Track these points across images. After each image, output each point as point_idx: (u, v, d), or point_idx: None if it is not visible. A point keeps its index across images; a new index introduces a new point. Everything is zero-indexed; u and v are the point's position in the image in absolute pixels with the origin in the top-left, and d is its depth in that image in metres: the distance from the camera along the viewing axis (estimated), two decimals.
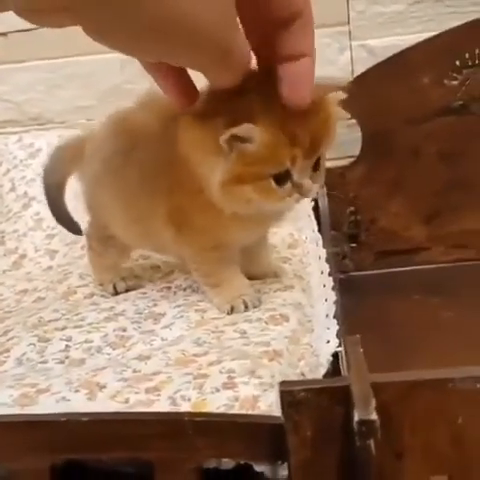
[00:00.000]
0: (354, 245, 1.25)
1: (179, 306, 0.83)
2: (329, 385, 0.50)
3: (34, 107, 1.32)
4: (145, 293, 0.89)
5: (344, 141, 1.27)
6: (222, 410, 0.60)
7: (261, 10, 0.54)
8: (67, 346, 0.76)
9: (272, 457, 0.55)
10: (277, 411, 0.59)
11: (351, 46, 1.27)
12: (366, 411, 0.46)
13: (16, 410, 0.60)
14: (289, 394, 0.50)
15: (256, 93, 0.68)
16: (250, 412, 0.59)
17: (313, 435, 0.50)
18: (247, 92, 0.69)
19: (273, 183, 0.71)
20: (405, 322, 1.08)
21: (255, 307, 0.81)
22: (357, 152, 1.25)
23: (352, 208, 1.25)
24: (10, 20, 1.25)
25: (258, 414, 0.58)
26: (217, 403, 0.60)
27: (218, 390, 0.62)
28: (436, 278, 1.22)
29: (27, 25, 1.29)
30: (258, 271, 0.89)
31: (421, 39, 1.20)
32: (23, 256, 1.07)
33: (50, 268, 1.04)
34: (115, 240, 0.90)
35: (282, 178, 0.71)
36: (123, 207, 0.85)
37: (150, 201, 0.81)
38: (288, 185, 0.72)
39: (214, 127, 0.69)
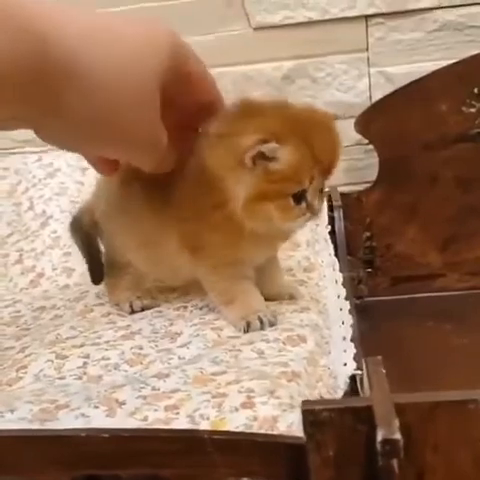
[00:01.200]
0: (369, 270, 1.25)
1: (195, 325, 0.84)
2: (352, 405, 0.50)
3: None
4: (161, 312, 0.89)
5: (361, 166, 1.28)
6: (241, 429, 0.60)
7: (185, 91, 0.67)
8: (85, 363, 0.76)
9: (291, 477, 0.55)
10: (297, 431, 0.59)
11: (369, 72, 1.28)
12: (390, 430, 0.46)
13: (36, 425, 0.60)
14: (311, 413, 0.50)
15: (276, 115, 0.74)
16: (269, 432, 0.59)
17: (335, 455, 0.50)
18: (269, 113, 0.74)
19: (292, 202, 0.74)
20: (419, 348, 1.08)
21: (271, 325, 0.81)
22: (374, 177, 1.25)
23: (368, 233, 1.25)
24: None
25: (278, 434, 0.58)
26: (236, 422, 0.60)
27: (237, 409, 0.62)
28: (450, 305, 1.22)
29: None
30: (273, 292, 0.89)
31: (439, 66, 1.21)
32: (41, 274, 1.08)
33: (67, 287, 1.05)
34: (131, 268, 0.91)
35: (299, 198, 0.75)
36: (134, 238, 0.87)
37: (161, 229, 0.83)
38: (303, 205, 0.75)
39: (239, 144, 0.72)
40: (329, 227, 1.13)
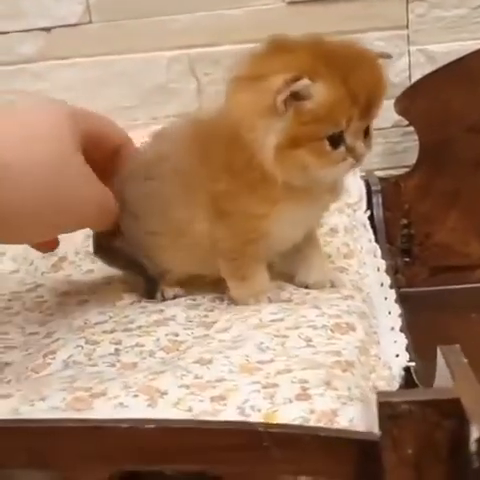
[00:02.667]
0: (407, 260, 1.18)
1: (230, 313, 0.78)
2: (436, 397, 0.44)
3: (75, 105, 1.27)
4: (195, 299, 0.83)
5: (399, 150, 1.22)
6: (297, 423, 0.54)
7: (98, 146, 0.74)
8: (117, 349, 0.70)
9: (356, 476, 0.49)
10: (359, 426, 0.53)
11: (409, 51, 1.21)
12: None
13: (70, 414, 0.55)
14: (389, 406, 0.44)
15: (310, 51, 0.69)
16: (329, 426, 0.53)
17: (415, 453, 0.44)
18: (299, 50, 0.69)
19: (328, 145, 0.69)
20: (463, 340, 1.01)
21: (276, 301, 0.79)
22: (412, 161, 1.19)
23: (405, 221, 1.18)
24: (54, 14, 1.22)
25: (341, 428, 0.52)
26: (291, 415, 0.54)
27: (291, 401, 0.56)
28: None
29: (71, 20, 1.23)
30: (312, 280, 0.84)
31: None
32: (63, 259, 1.02)
33: (91, 271, 0.99)
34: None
35: (336, 141, 0.69)
36: (163, 230, 0.80)
37: (186, 204, 0.77)
38: (342, 148, 0.70)
39: (268, 87, 0.67)
40: (368, 212, 1.07)
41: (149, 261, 0.83)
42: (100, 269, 0.99)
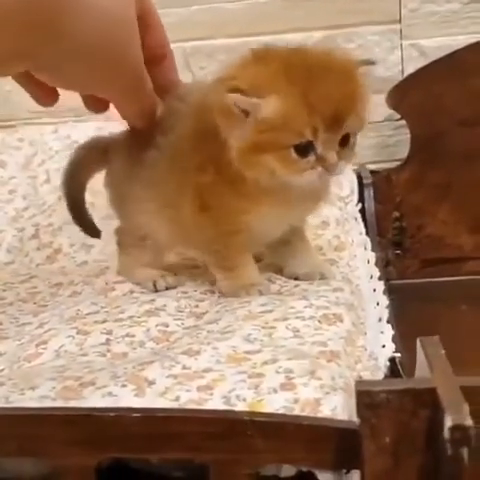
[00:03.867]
0: (398, 252, 1.20)
1: (221, 304, 0.79)
2: (413, 386, 0.45)
3: (72, 98, 1.28)
4: (186, 292, 0.84)
5: (391, 143, 1.23)
6: (281, 412, 0.55)
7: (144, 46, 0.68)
8: (108, 339, 0.72)
9: (338, 464, 0.50)
10: (341, 415, 0.55)
11: (402, 45, 1.22)
12: (460, 415, 0.41)
13: (59, 403, 0.56)
14: (367, 395, 0.45)
15: (280, 62, 0.70)
16: (312, 415, 0.55)
17: (393, 441, 0.45)
18: (272, 61, 0.71)
19: (293, 153, 0.70)
20: (453, 332, 1.02)
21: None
22: (404, 155, 1.20)
23: (397, 213, 1.19)
24: None
25: (323, 417, 0.53)
26: (275, 405, 0.55)
27: (276, 391, 0.57)
28: None
29: None
30: (302, 271, 0.85)
31: (475, 40, 1.16)
32: (58, 250, 1.03)
33: (85, 263, 1.00)
34: (148, 240, 0.87)
35: (304, 149, 0.70)
36: (153, 196, 0.82)
37: (179, 181, 0.79)
38: (311, 158, 0.70)
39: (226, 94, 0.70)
40: (359, 205, 1.08)
41: (128, 220, 0.88)
42: (94, 261, 1.01)
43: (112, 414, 0.51)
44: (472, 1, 1.20)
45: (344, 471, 0.52)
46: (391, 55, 1.23)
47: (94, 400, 0.56)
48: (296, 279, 0.85)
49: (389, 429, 0.45)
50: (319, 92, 0.68)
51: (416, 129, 1.17)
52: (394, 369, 0.71)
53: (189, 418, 0.51)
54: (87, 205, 0.94)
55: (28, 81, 0.69)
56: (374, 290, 0.90)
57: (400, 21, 1.22)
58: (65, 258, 1.02)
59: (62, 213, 1.09)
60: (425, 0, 1.20)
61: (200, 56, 1.24)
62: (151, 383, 0.59)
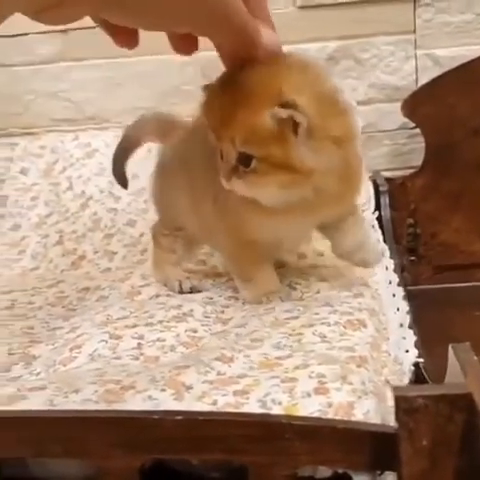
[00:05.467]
0: (412, 258, 1.22)
1: (246, 310, 0.82)
2: (449, 392, 0.47)
3: (91, 106, 1.31)
4: (212, 298, 0.87)
5: (405, 151, 1.26)
6: (316, 415, 0.57)
7: None
8: (139, 344, 0.74)
9: (373, 466, 0.52)
10: (374, 419, 0.57)
11: (416, 55, 1.25)
12: None
13: (102, 406, 0.58)
14: (405, 400, 0.47)
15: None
16: (345, 419, 0.57)
17: (430, 445, 0.48)
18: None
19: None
20: (468, 337, 1.05)
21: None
22: (418, 162, 1.22)
23: (411, 220, 1.22)
24: None
25: (358, 421, 0.55)
26: (310, 408, 0.57)
27: (309, 395, 0.59)
28: None
29: (88, 23, 1.26)
30: (342, 250, 0.83)
31: None
32: (82, 257, 1.06)
33: (109, 269, 1.02)
34: (182, 232, 0.90)
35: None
36: (188, 192, 0.86)
37: (205, 186, 0.82)
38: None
39: None
40: (376, 213, 1.10)
41: (166, 211, 0.92)
42: (117, 267, 1.03)
43: (156, 417, 0.53)
44: None
45: (378, 473, 0.54)
46: (405, 65, 1.25)
47: (135, 403, 0.58)
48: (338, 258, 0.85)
49: (426, 433, 0.47)
50: (212, 111, 0.71)
51: (430, 138, 1.20)
52: (418, 374, 0.73)
53: (229, 421, 0.53)
54: None
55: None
56: (394, 295, 0.92)
57: (414, 31, 1.24)
58: (89, 264, 1.04)
59: (85, 221, 1.11)
60: (439, 11, 1.23)
61: (216, 65, 1.26)
62: (188, 388, 0.61)
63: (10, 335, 0.80)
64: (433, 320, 1.09)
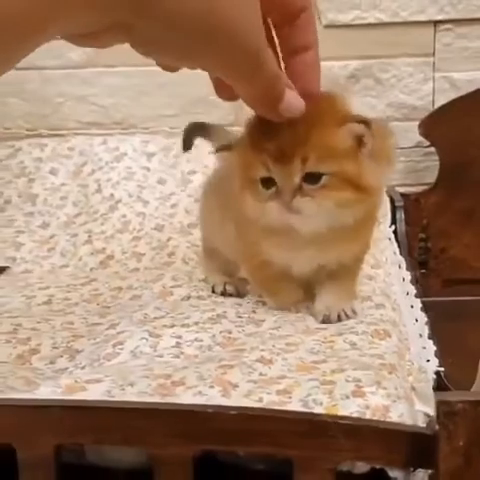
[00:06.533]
0: (423, 271, 1.27)
1: (276, 315, 0.86)
2: None
3: (119, 112, 1.35)
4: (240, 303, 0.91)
5: (420, 168, 1.31)
6: (355, 416, 0.62)
7: (276, 4, 0.54)
8: (178, 343, 0.78)
9: (409, 464, 0.57)
10: (407, 421, 0.62)
11: (434, 77, 1.30)
12: None
13: (156, 399, 0.63)
14: (446, 404, 0.52)
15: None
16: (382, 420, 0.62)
17: (465, 444, 0.53)
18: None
19: (260, 186, 0.75)
20: (474, 349, 1.10)
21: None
22: (431, 180, 1.28)
23: (423, 235, 1.27)
24: None
25: (395, 422, 0.60)
26: (349, 409, 0.62)
27: (348, 397, 0.64)
28: None
29: None
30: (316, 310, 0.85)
31: None
32: (110, 257, 1.10)
33: (137, 270, 1.07)
34: (217, 254, 0.95)
35: (267, 182, 0.74)
36: (219, 213, 0.91)
37: (227, 213, 0.87)
38: (272, 190, 0.74)
39: None
40: (393, 227, 1.16)
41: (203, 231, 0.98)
42: (145, 267, 1.07)
43: (210, 410, 0.58)
44: None
45: (411, 469, 0.59)
46: (424, 86, 1.31)
47: (187, 398, 0.63)
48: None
49: (463, 434, 0.53)
50: (270, 133, 0.72)
51: (445, 157, 1.25)
52: (439, 382, 0.78)
53: (278, 418, 0.58)
54: None
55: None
56: (411, 306, 0.97)
57: (434, 54, 1.30)
58: (117, 264, 1.08)
59: (114, 222, 1.16)
60: (458, 36, 1.28)
61: None
62: (235, 386, 0.65)
63: (52, 329, 0.85)
64: (442, 331, 1.15)
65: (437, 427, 0.53)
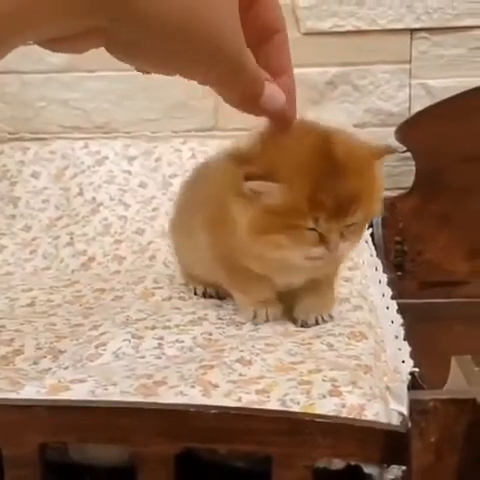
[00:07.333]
0: (399, 274, 1.30)
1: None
2: (457, 396, 0.55)
3: (101, 116, 1.37)
4: (221, 305, 0.93)
5: (396, 173, 1.34)
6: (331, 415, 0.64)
7: (249, 23, 0.54)
8: (160, 344, 0.80)
9: (384, 460, 0.59)
10: (382, 419, 0.64)
11: (410, 84, 1.33)
12: None
13: (139, 399, 0.64)
14: (419, 403, 0.55)
15: (295, 148, 0.72)
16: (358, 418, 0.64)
17: (437, 441, 0.55)
18: (289, 146, 0.72)
19: (303, 231, 0.74)
20: (449, 350, 1.12)
21: (275, 319, 0.86)
22: (407, 184, 1.31)
23: (399, 238, 1.30)
24: None
25: (370, 420, 0.63)
26: (326, 408, 0.64)
27: (325, 396, 0.66)
28: (476, 310, 1.26)
29: None
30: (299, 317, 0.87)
31: (479, 83, 1.27)
32: (92, 259, 1.11)
33: (118, 272, 1.08)
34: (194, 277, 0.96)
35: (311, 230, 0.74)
36: (188, 230, 0.92)
37: (195, 225, 0.88)
38: (315, 236, 0.74)
39: (239, 174, 0.73)
40: (370, 230, 1.18)
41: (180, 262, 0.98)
42: (127, 270, 1.09)
43: (192, 410, 0.60)
44: (477, 47, 1.31)
45: (385, 466, 0.61)
46: (400, 92, 1.34)
47: (169, 397, 0.65)
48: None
49: (435, 431, 0.55)
50: (326, 185, 0.72)
51: (421, 162, 1.28)
52: (414, 382, 0.81)
53: (258, 416, 0.60)
54: None
55: None
56: (387, 308, 0.99)
57: (410, 62, 1.33)
58: (99, 266, 1.10)
59: (95, 225, 1.17)
60: (434, 44, 1.31)
61: None
62: (215, 386, 0.67)
63: (35, 331, 0.86)
64: (417, 333, 1.17)
65: (410, 425, 0.55)
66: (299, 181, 0.72)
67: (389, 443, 0.58)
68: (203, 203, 0.86)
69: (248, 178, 0.72)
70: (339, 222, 0.74)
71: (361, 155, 0.75)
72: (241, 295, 0.89)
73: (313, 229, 0.74)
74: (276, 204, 0.72)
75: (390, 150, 0.80)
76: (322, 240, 0.74)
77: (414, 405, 0.55)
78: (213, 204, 0.83)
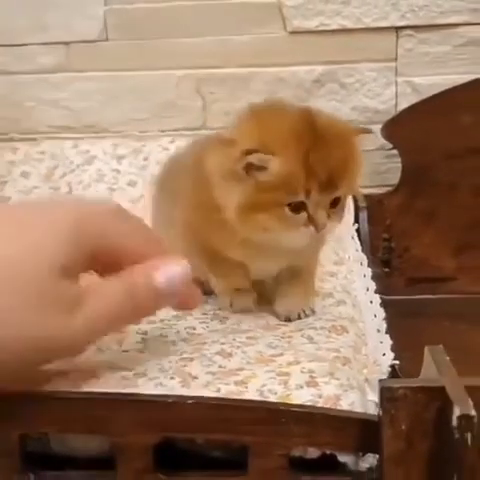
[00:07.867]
0: (387, 270, 1.31)
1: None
2: (426, 385, 0.56)
3: (90, 116, 1.38)
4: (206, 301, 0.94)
5: (383, 170, 1.35)
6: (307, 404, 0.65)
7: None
8: (143, 339, 0.81)
9: (358, 448, 0.60)
10: (357, 409, 0.65)
11: (397, 82, 1.34)
12: (466, 407, 0.52)
13: (119, 389, 0.65)
14: (389, 390, 0.56)
15: (281, 124, 0.74)
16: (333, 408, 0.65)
17: (407, 429, 0.56)
18: (274, 122, 0.75)
19: (287, 211, 0.74)
20: (435, 344, 1.13)
21: (248, 307, 0.87)
22: (394, 181, 1.32)
23: (386, 235, 1.31)
24: (74, 30, 1.33)
25: (345, 409, 0.64)
26: (302, 398, 0.65)
27: (302, 387, 0.67)
28: (462, 306, 1.28)
29: (90, 37, 1.37)
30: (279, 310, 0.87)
31: (464, 80, 1.28)
32: None
33: None
34: None
35: (297, 208, 0.74)
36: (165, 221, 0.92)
37: (173, 214, 0.88)
38: (303, 215, 0.75)
39: (231, 154, 0.74)
40: (356, 225, 1.19)
41: None
42: None
43: (170, 400, 0.61)
44: (461, 45, 1.32)
45: (360, 454, 0.62)
46: (386, 90, 1.35)
47: (148, 389, 0.66)
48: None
49: (405, 418, 0.56)
50: (318, 156, 0.72)
51: (407, 159, 1.29)
52: (394, 374, 0.82)
53: (234, 406, 0.61)
54: None
55: None
56: (371, 302, 1.00)
57: (396, 59, 1.34)
58: None
59: None
60: (420, 41, 1.32)
61: (210, 83, 1.35)
62: (194, 377, 0.69)
63: None
64: (403, 328, 1.18)
65: (381, 412, 0.56)
66: (293, 153, 0.72)
67: (364, 432, 0.59)
68: (182, 193, 0.86)
69: (248, 153, 0.72)
70: (329, 194, 0.74)
71: (343, 128, 0.77)
72: (219, 280, 0.89)
73: (302, 208, 0.74)
74: (268, 180, 0.73)
75: (366, 130, 0.81)
76: (310, 220, 0.75)
77: (384, 393, 0.56)
78: (193, 192, 0.83)
